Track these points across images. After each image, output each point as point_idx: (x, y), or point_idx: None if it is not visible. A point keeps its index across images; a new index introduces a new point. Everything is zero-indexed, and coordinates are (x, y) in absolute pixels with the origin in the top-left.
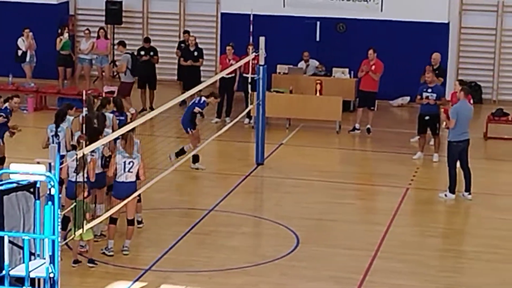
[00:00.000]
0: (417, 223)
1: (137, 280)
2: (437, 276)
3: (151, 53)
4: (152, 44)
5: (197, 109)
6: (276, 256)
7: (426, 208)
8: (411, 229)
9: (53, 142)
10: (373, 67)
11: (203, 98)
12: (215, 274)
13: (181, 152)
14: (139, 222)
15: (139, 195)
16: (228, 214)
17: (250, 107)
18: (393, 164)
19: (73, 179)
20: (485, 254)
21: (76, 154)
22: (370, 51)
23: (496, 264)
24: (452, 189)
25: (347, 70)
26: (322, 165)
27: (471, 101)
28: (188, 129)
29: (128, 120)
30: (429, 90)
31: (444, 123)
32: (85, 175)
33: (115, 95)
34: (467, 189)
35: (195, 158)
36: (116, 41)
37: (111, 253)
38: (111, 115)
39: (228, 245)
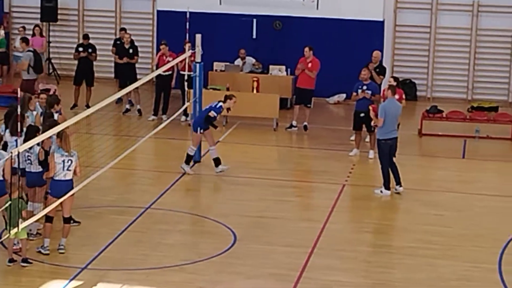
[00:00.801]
0: (354, 219)
1: (73, 278)
2: (373, 272)
3: (89, 50)
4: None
5: (212, 113)
6: (213, 253)
7: (362, 204)
8: (348, 226)
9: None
10: (310, 64)
11: (220, 103)
12: (152, 272)
13: (188, 158)
14: (73, 221)
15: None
16: (165, 212)
17: (186, 104)
18: (329, 161)
19: None
20: (420, 250)
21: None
22: (307, 49)
23: (431, 259)
24: (387, 186)
25: (284, 67)
26: (259, 163)
27: (404, 96)
28: (199, 129)
29: (59, 119)
30: (364, 87)
31: (373, 121)
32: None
33: (50, 92)
34: (398, 182)
35: (217, 161)
36: (51, 39)
37: (47, 252)
38: (57, 114)
39: (165, 243)
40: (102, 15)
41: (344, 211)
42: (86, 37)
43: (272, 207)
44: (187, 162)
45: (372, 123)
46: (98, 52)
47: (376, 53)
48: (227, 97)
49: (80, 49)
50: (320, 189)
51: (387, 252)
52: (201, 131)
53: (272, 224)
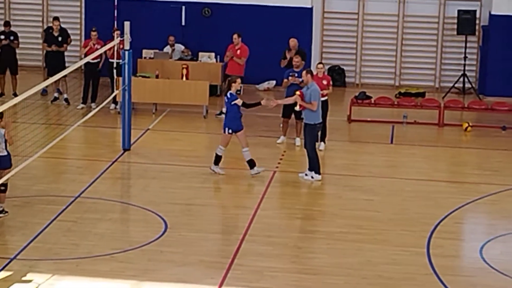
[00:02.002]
0: (284, 205)
1: (2, 269)
2: (305, 258)
3: (11, 37)
4: (14, 29)
5: (238, 102)
6: (144, 242)
7: (293, 190)
8: (279, 212)
9: None
10: (238, 51)
11: (228, 93)
12: (82, 261)
13: (217, 159)
14: (1, 212)
15: (5, 185)
16: (94, 200)
17: (116, 92)
18: (260, 147)
19: None
20: (350, 235)
21: None
22: (235, 36)
23: (360, 244)
24: (318, 171)
25: (213, 54)
26: (189, 150)
27: (331, 82)
28: (227, 129)
29: None
30: (296, 74)
31: (298, 106)
32: None
33: None
34: (311, 169)
35: (251, 163)
36: None
37: None
38: None
39: (95, 232)
40: (29, 2)
41: (274, 198)
42: (7, 24)
43: (202, 194)
44: (216, 162)
45: (297, 108)
46: (25, 40)
47: (292, 41)
48: (230, 83)
49: (2, 36)
50: (251, 176)
51: (317, 238)
52: (229, 131)
53: (203, 212)
